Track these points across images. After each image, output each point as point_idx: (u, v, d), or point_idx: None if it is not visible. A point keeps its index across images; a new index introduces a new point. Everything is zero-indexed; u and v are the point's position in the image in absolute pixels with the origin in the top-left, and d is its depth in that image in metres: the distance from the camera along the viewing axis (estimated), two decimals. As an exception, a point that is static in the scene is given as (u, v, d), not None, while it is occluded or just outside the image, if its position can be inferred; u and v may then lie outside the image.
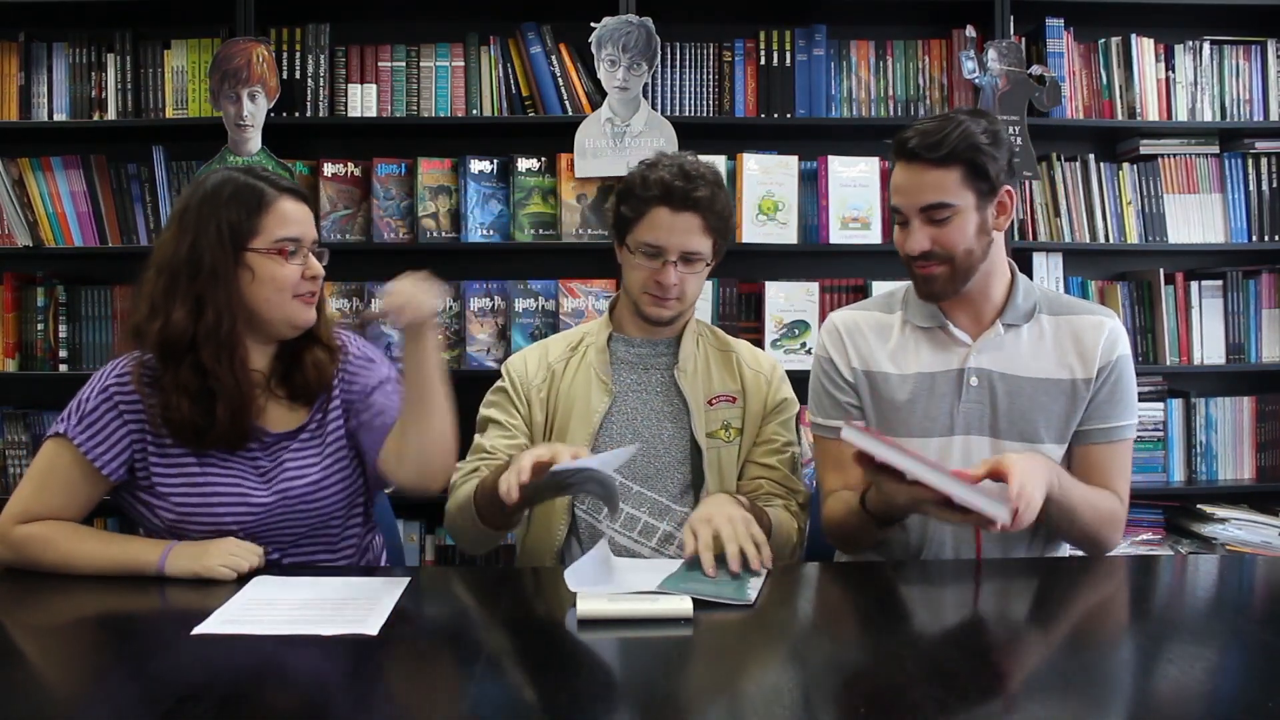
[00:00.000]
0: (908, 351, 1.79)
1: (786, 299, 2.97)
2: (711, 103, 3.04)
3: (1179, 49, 3.08)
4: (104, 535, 1.59)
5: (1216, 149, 3.10)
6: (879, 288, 2.90)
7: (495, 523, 1.70)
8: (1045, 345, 1.75)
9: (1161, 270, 3.06)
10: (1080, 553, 1.77)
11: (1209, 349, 3.06)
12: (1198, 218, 3.09)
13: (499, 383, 1.95)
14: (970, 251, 1.69)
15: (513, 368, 1.95)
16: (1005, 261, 1.79)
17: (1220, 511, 2.96)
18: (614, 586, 1.42)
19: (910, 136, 1.67)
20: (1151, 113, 3.07)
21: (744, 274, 3.03)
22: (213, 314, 1.56)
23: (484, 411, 1.94)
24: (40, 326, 2.99)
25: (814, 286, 2.99)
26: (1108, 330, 1.75)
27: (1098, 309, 1.80)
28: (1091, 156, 3.07)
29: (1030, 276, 3.01)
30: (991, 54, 2.94)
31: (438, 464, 1.62)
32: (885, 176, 2.96)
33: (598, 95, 2.96)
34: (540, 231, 3.00)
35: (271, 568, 1.58)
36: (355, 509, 1.72)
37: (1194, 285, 3.07)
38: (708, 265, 1.89)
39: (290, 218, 1.61)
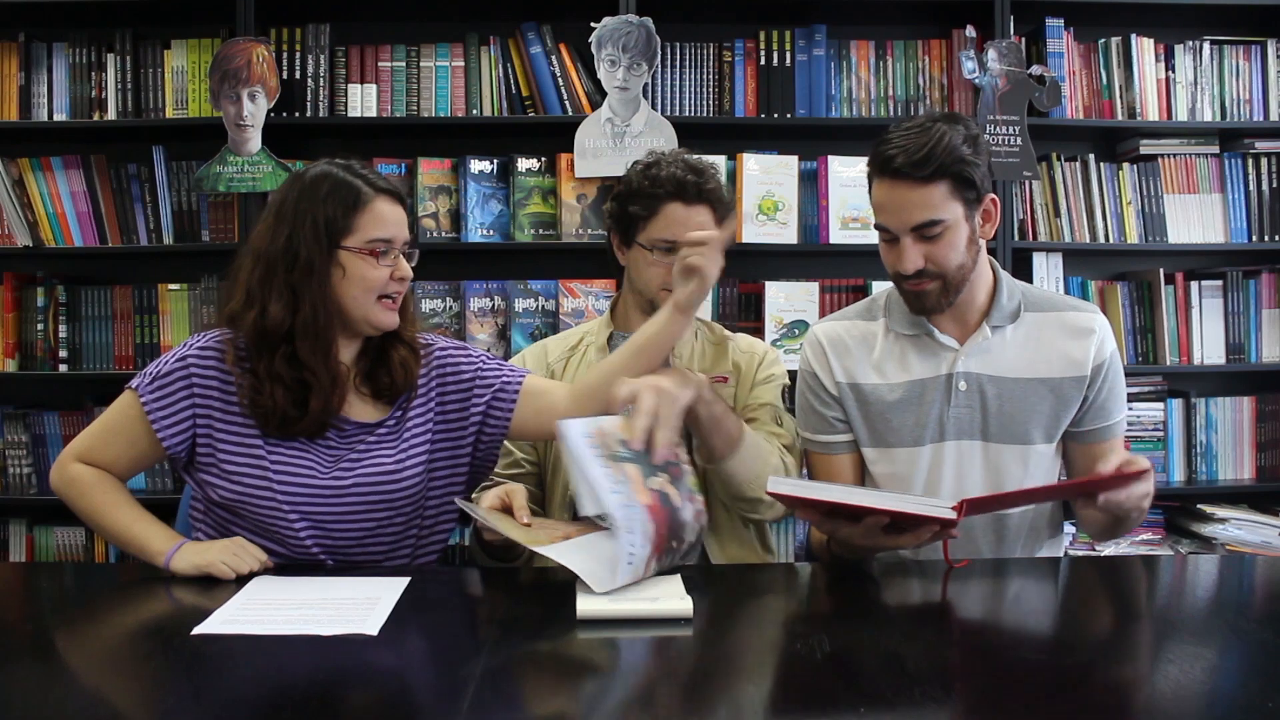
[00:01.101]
0: (894, 360, 1.78)
1: (786, 299, 2.97)
2: (711, 103, 3.04)
3: (1179, 49, 3.08)
4: (135, 511, 1.61)
5: (1216, 149, 3.10)
6: (879, 288, 2.89)
7: (502, 559, 1.73)
8: (1032, 345, 1.75)
9: (1161, 270, 3.06)
10: (1080, 551, 1.77)
11: (1209, 349, 3.06)
12: (1198, 218, 3.09)
13: None
14: (962, 265, 1.68)
15: None
16: (988, 264, 1.78)
17: (1220, 511, 2.96)
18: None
19: (893, 154, 1.62)
20: (1151, 113, 3.07)
21: (744, 274, 3.03)
22: (309, 307, 1.58)
23: None
24: (40, 326, 2.99)
25: (814, 286, 2.99)
26: (1098, 329, 1.75)
27: (1081, 305, 1.80)
28: (1091, 156, 3.07)
29: (1030, 277, 3.01)
30: (991, 54, 2.94)
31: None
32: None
33: (598, 95, 2.96)
34: (540, 231, 3.00)
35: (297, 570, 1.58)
36: (425, 509, 1.70)
37: (1194, 285, 3.07)
38: None
39: (385, 218, 1.62)
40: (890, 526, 1.49)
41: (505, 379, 1.72)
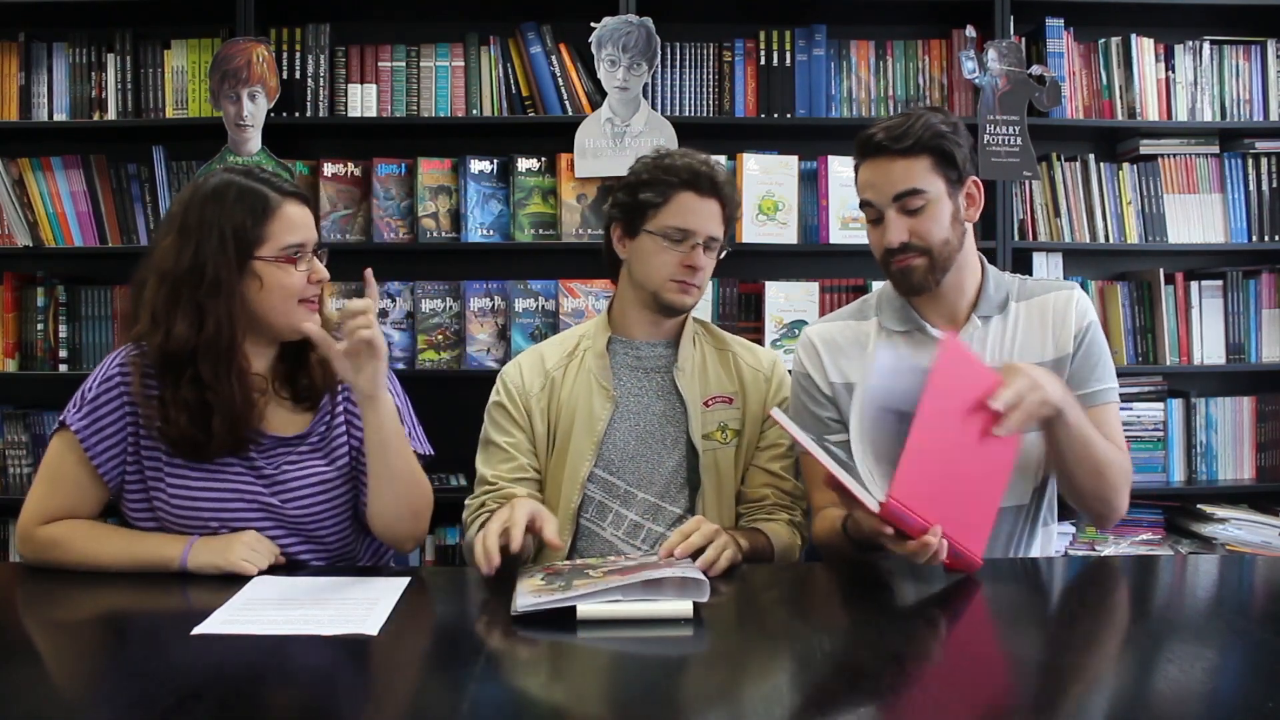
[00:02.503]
0: None
1: (786, 299, 2.97)
2: (711, 103, 3.04)
3: (1179, 49, 3.08)
4: (125, 533, 1.59)
5: (1216, 149, 3.10)
6: (878, 287, 2.90)
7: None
8: (1020, 332, 1.76)
9: (1161, 270, 3.06)
10: (1080, 551, 1.77)
11: (1209, 349, 3.06)
12: (1198, 218, 3.09)
13: (496, 396, 1.93)
14: (947, 241, 1.70)
15: (509, 378, 1.93)
16: (976, 255, 1.80)
17: (1220, 511, 2.96)
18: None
19: (874, 133, 1.69)
20: (1151, 113, 3.07)
21: (744, 274, 3.03)
22: (213, 325, 1.53)
23: (484, 432, 1.93)
24: (40, 326, 2.99)
25: (814, 286, 2.98)
26: (1075, 301, 1.76)
27: (1061, 284, 1.82)
28: (1091, 156, 3.07)
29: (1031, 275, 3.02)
30: (991, 54, 2.94)
31: (402, 532, 1.64)
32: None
33: (598, 95, 2.96)
34: (540, 231, 3.00)
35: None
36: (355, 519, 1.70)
37: (1194, 285, 3.07)
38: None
39: (296, 223, 1.59)
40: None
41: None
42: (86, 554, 1.55)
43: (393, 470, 1.58)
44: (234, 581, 1.47)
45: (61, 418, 1.59)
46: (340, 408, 1.67)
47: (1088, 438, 1.61)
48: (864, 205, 1.73)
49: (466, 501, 1.88)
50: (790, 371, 1.90)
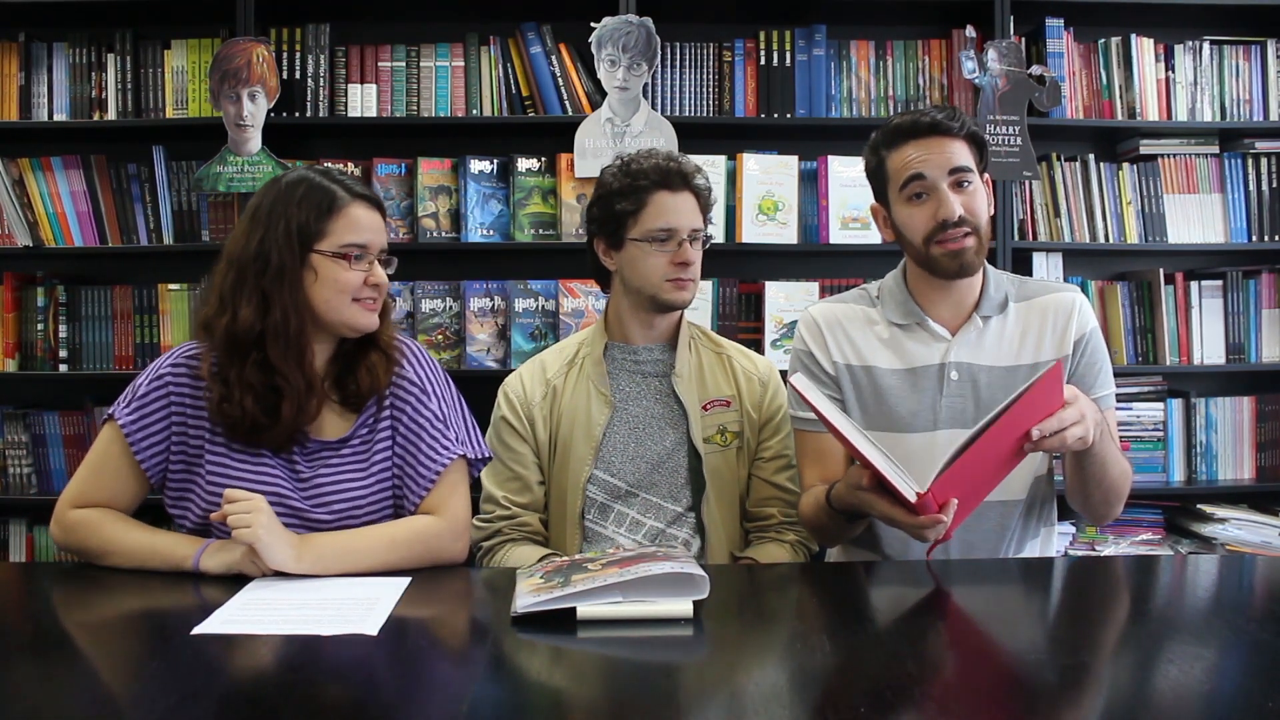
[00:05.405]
0: (889, 346, 1.79)
1: (786, 299, 2.97)
2: (711, 103, 3.04)
3: (1179, 49, 3.08)
4: (146, 529, 1.60)
5: (1216, 149, 3.10)
6: (879, 280, 2.90)
7: None
8: (1019, 333, 1.77)
9: (1161, 270, 3.06)
10: (1080, 551, 1.77)
11: (1209, 349, 3.06)
12: (1198, 218, 3.09)
13: (499, 410, 1.94)
14: (989, 223, 1.73)
15: (511, 390, 1.94)
16: None
17: (1220, 511, 2.96)
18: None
19: (920, 117, 1.71)
20: (1151, 113, 3.07)
21: (744, 274, 3.03)
22: (280, 311, 1.56)
23: (489, 442, 1.91)
24: (40, 326, 2.99)
25: (814, 286, 2.99)
26: (1077, 305, 1.78)
27: (1062, 286, 1.83)
28: (1091, 156, 3.07)
29: (1029, 276, 3.02)
30: (991, 54, 2.94)
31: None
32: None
33: (598, 95, 2.96)
34: (540, 231, 3.00)
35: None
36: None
37: (1194, 285, 3.07)
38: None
39: (360, 224, 1.61)
40: (881, 491, 1.50)
41: (429, 456, 1.64)
42: (108, 541, 1.58)
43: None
44: (235, 581, 1.47)
45: (111, 410, 1.63)
46: (386, 412, 1.67)
47: (1106, 461, 1.63)
48: (911, 180, 1.71)
49: (476, 522, 1.88)
50: (791, 349, 1.90)
